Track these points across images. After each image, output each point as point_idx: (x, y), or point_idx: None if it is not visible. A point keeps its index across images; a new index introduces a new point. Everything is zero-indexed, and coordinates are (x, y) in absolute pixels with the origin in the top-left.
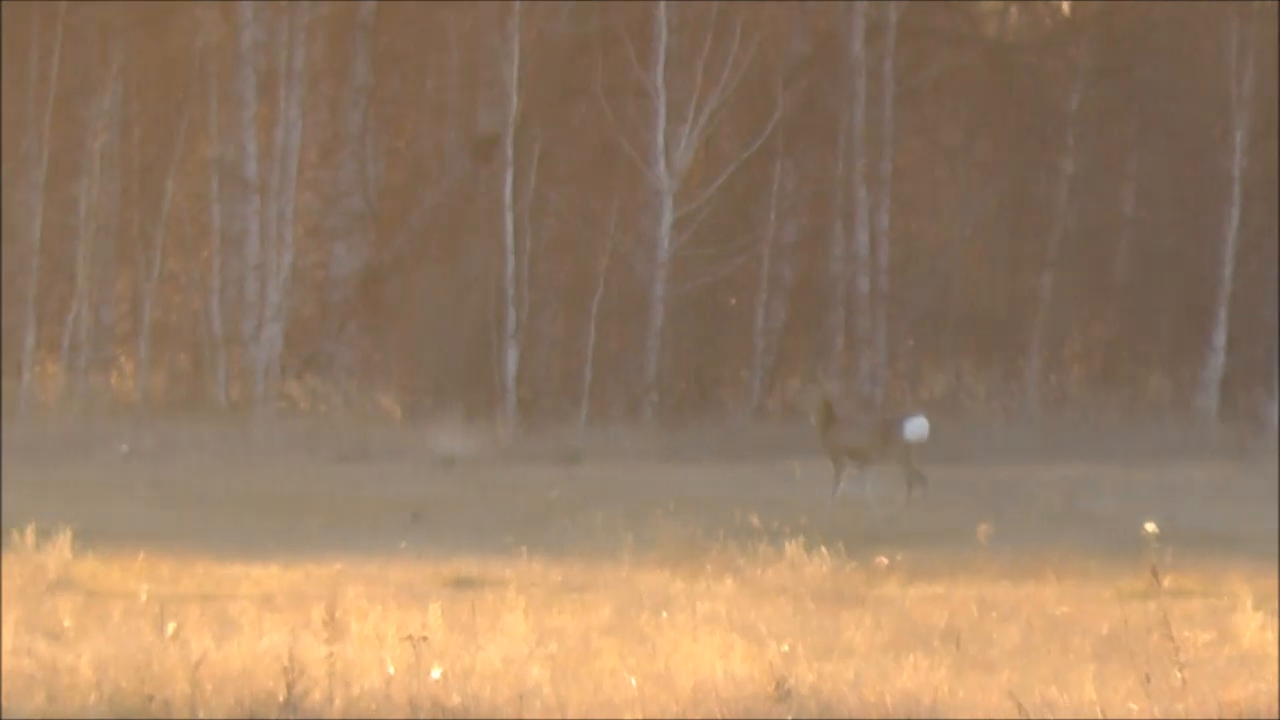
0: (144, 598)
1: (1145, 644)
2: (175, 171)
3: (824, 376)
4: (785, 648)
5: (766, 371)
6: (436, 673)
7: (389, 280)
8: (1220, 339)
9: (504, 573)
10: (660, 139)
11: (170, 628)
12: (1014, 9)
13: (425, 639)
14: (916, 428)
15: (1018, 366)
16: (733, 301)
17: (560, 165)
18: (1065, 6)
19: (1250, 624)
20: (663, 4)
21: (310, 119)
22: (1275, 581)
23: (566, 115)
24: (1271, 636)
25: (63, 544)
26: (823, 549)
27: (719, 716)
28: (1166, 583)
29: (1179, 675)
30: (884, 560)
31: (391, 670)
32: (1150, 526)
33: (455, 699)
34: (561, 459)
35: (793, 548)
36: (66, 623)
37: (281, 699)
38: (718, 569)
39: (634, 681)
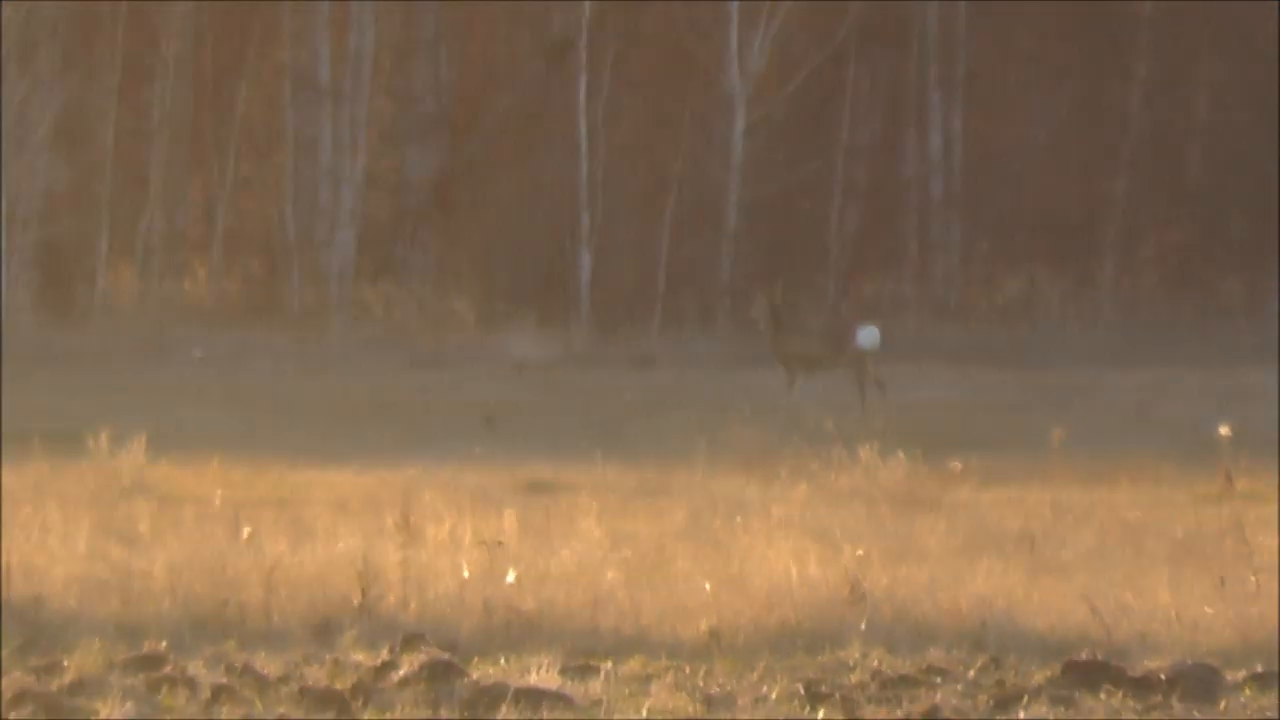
0: (218, 503)
1: (1219, 548)
2: (248, 76)
3: (772, 289)
4: (860, 552)
5: (841, 276)
6: (511, 577)
7: (463, 185)
8: None
9: (578, 477)
10: (733, 43)
11: (245, 532)
12: None
13: (500, 544)
14: (869, 336)
15: (1091, 271)
16: (806, 206)
17: (633, 69)
18: None
19: None
20: None
21: (383, 23)
22: None
23: (640, 19)
24: None
25: (137, 449)
26: (897, 454)
27: (793, 620)
28: (1240, 487)
29: (1253, 579)
30: (958, 464)
31: (466, 574)
32: (1224, 430)
33: (530, 603)
34: (635, 364)
35: (867, 452)
36: (141, 528)
37: (356, 603)
38: (792, 474)
39: (708, 585)
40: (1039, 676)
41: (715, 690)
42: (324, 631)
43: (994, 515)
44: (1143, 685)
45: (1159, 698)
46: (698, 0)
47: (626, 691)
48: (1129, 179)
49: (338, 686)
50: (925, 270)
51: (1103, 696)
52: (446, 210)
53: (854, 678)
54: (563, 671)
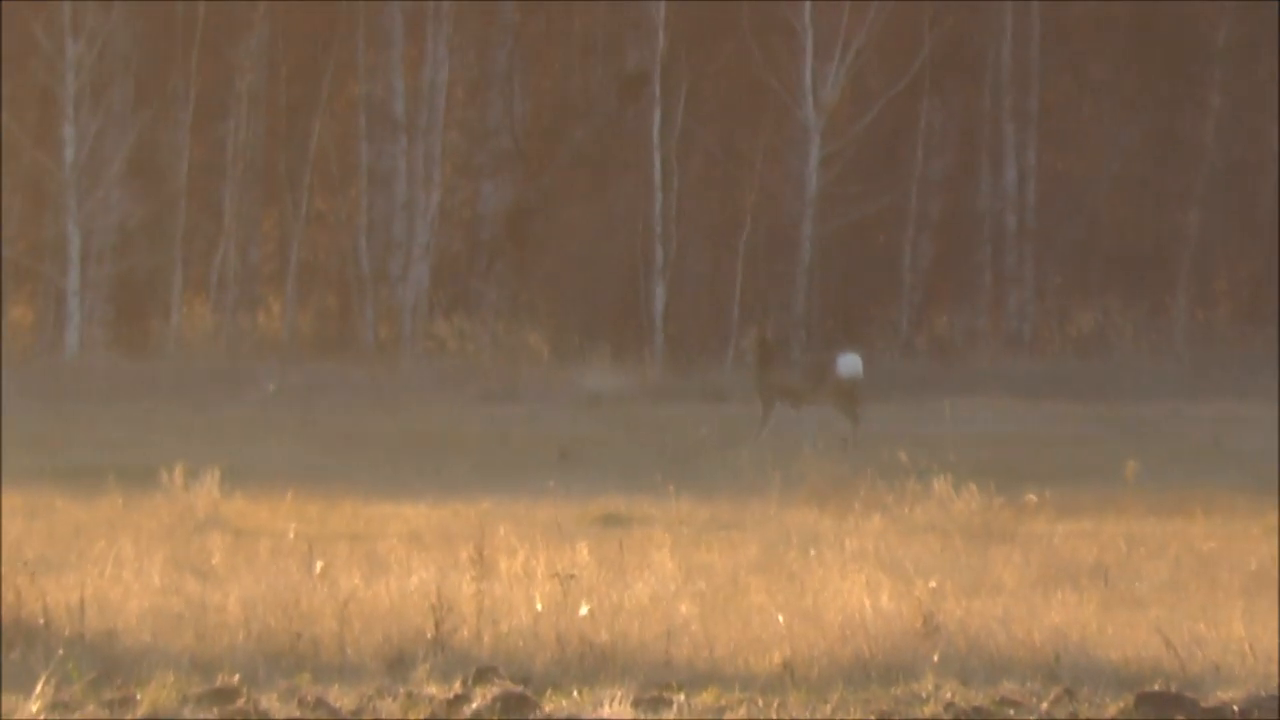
0: (292, 536)
1: None
2: (323, 111)
3: (765, 325)
4: (933, 584)
5: (914, 308)
6: (584, 610)
7: (536, 218)
8: None
9: (652, 510)
10: (808, 76)
11: (318, 566)
12: None
13: (573, 576)
14: (849, 364)
15: (1165, 303)
16: (880, 239)
17: (707, 103)
18: None
19: None
20: None
21: (458, 58)
22: None
23: (714, 52)
24: None
25: (211, 483)
26: (971, 486)
27: (867, 652)
28: None
29: None
30: (1032, 497)
31: (539, 608)
32: None
33: (603, 636)
34: (709, 397)
35: (941, 485)
36: (215, 562)
37: (429, 637)
38: (866, 506)
39: (781, 618)
40: (1112, 709)
41: None
42: (397, 665)
43: (1068, 547)
44: (1216, 717)
45: None
46: (772, 33)
47: None
48: (1202, 211)
49: (411, 719)
50: (999, 303)
51: None
52: (520, 244)
53: (927, 710)
54: (636, 704)
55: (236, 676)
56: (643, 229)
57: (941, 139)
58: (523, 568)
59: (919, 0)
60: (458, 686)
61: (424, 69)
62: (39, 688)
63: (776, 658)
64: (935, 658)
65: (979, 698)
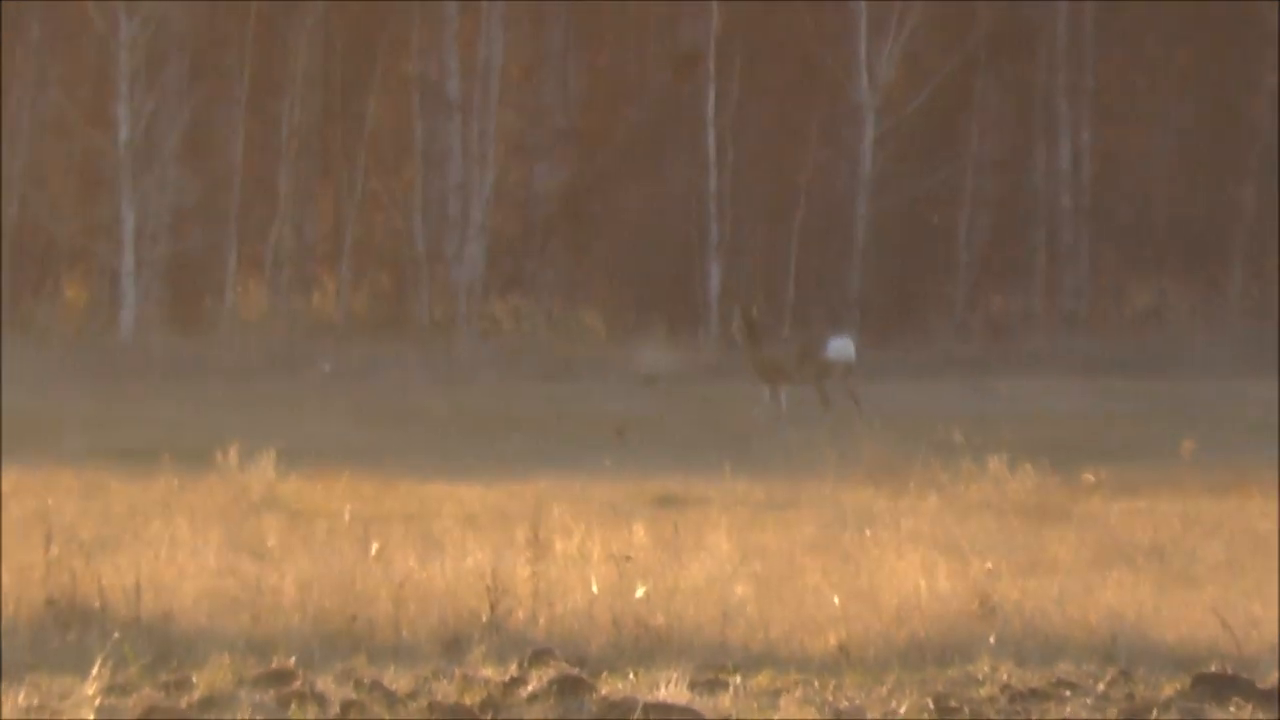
0: (347, 517)
1: None
2: (377, 90)
3: (752, 302)
4: (989, 564)
5: (969, 287)
6: (640, 591)
7: (591, 197)
8: None
9: (708, 490)
10: (862, 53)
11: (374, 547)
12: None
13: (629, 558)
14: (839, 348)
15: (1220, 280)
16: (935, 217)
17: (762, 80)
18: None
19: None
20: None
21: (512, 36)
22: None
23: (768, 30)
24: None
25: (266, 464)
26: (1026, 465)
27: (922, 633)
28: None
29: None
30: (1088, 476)
31: (595, 589)
32: None
33: (659, 617)
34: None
35: (996, 464)
36: (271, 542)
37: (485, 618)
38: (921, 486)
39: (837, 599)
40: (1169, 689)
41: (844, 704)
42: (453, 646)
43: (1124, 527)
44: (1273, 698)
45: None
46: (826, 10)
47: (755, 706)
48: (1257, 187)
49: (466, 702)
50: (1054, 281)
51: (1232, 710)
52: (575, 223)
53: (983, 691)
54: (692, 686)
55: (292, 658)
56: (697, 207)
57: (996, 116)
58: (578, 549)
59: None
60: (513, 668)
61: (478, 48)
62: (95, 670)
63: (832, 639)
64: (991, 639)
65: (1035, 679)
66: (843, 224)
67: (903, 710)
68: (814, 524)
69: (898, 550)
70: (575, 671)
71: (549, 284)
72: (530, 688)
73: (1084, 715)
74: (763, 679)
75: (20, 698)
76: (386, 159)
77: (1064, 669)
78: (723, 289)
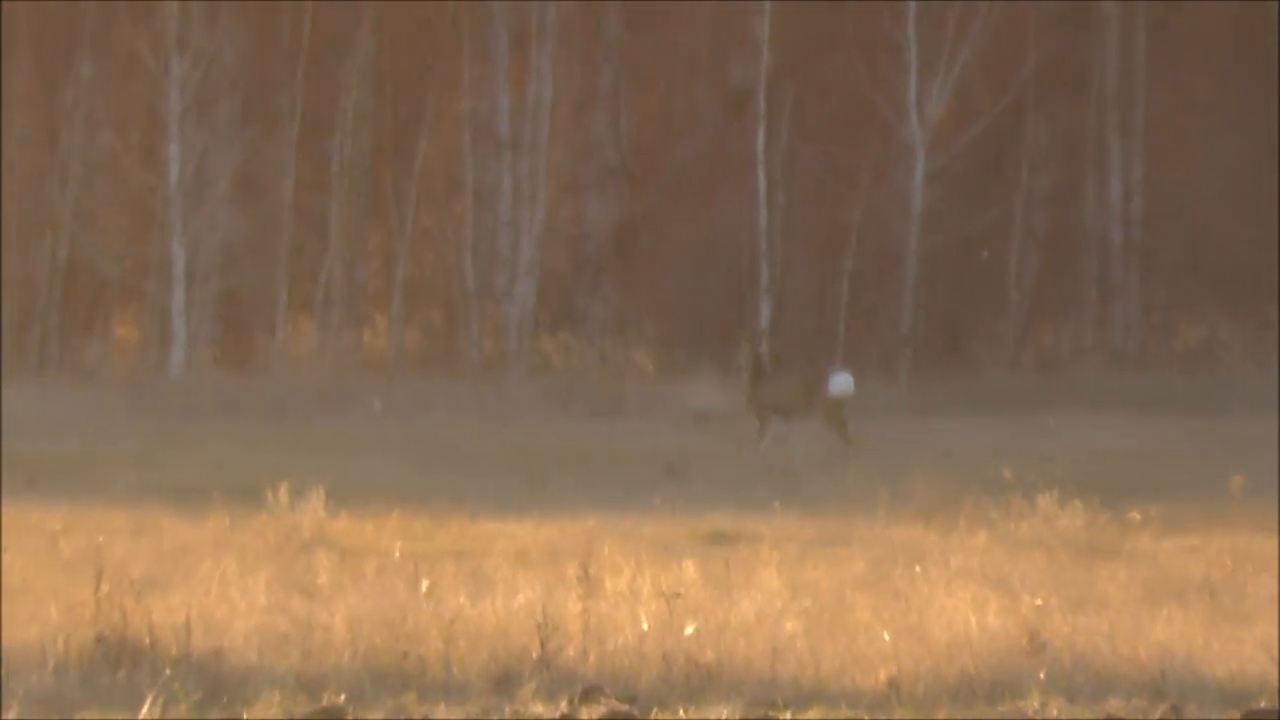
0: (398, 555)
1: None
2: (428, 128)
3: (756, 336)
4: (1039, 601)
5: (1020, 324)
6: (690, 628)
7: (641, 235)
8: None
9: (758, 528)
10: (912, 92)
11: (424, 585)
12: None
13: (679, 595)
14: (840, 384)
15: (1270, 317)
16: (985, 254)
17: (812, 119)
18: None
19: None
20: None
21: (562, 74)
22: None
23: (818, 69)
24: None
25: (317, 502)
26: (1076, 502)
27: (973, 669)
28: None
29: None
30: (1137, 513)
31: (645, 626)
32: None
33: (709, 654)
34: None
35: (1046, 501)
36: (321, 580)
37: (535, 655)
38: (971, 523)
39: (887, 635)
40: None
41: None
42: (504, 683)
43: (1174, 563)
44: None
45: None
46: (876, 49)
47: None
48: None
49: None
50: (1104, 318)
51: None
52: (625, 260)
53: None
54: None
55: (342, 696)
56: (748, 245)
57: (1046, 154)
58: (629, 586)
59: (1024, 15)
60: (564, 705)
61: (529, 85)
62: (145, 708)
63: (882, 675)
64: (1041, 675)
65: (1085, 715)
66: (893, 261)
67: None
68: (864, 560)
69: (948, 587)
70: (626, 708)
71: (599, 321)
72: None
73: None
74: (813, 715)
75: None
76: (437, 196)
77: (1114, 705)
78: (773, 327)
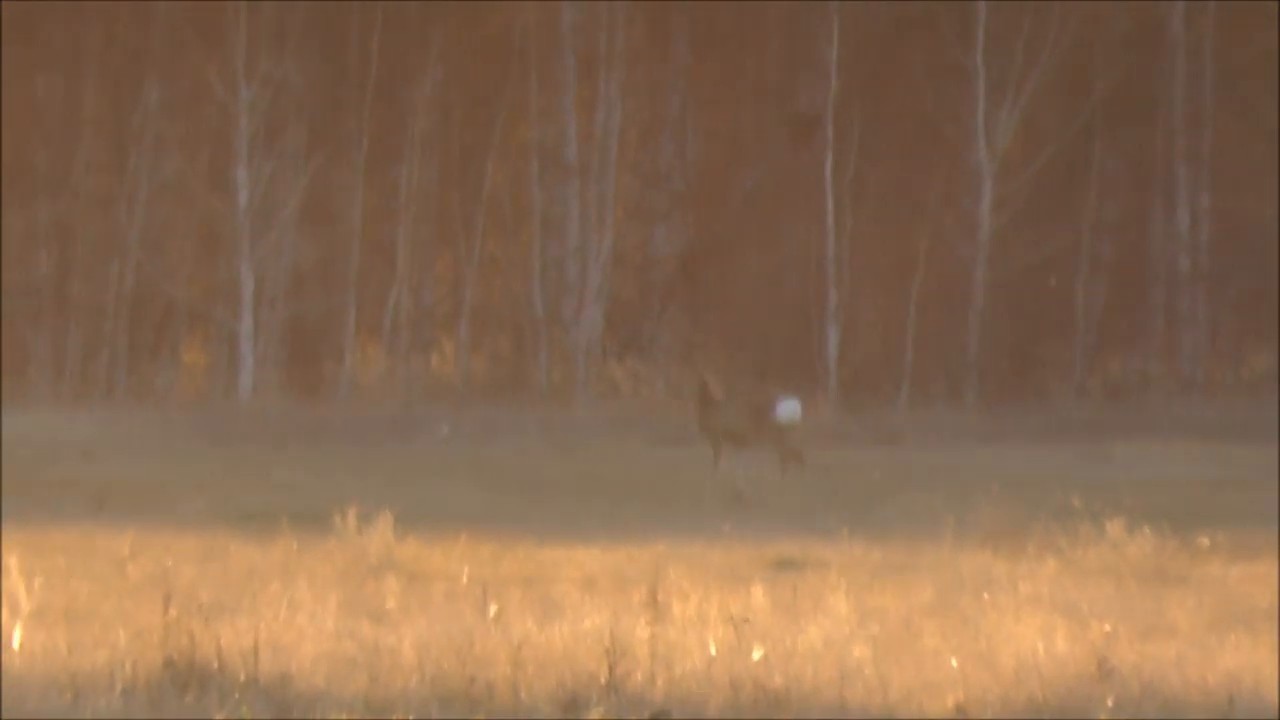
0: (466, 580)
1: None
2: (495, 155)
3: (703, 362)
4: (1107, 628)
5: (1088, 351)
6: (758, 653)
7: (709, 261)
8: None
9: (826, 554)
10: (980, 119)
11: (492, 610)
12: None
13: (747, 620)
14: (787, 410)
15: None
16: (1053, 281)
17: (880, 145)
18: None
19: None
20: None
21: (630, 101)
22: None
23: (886, 95)
24: None
25: (385, 527)
26: (1145, 529)
27: (1041, 696)
28: None
29: None
30: (1206, 540)
31: (714, 651)
32: None
33: (777, 680)
34: (882, 440)
35: (1114, 528)
36: (389, 604)
37: (603, 681)
38: (1039, 550)
39: (955, 662)
40: None
41: None
42: (571, 708)
43: (1242, 590)
44: None
45: None
46: (944, 76)
47: None
48: None
49: None
50: (1172, 345)
51: None
52: (693, 287)
53: None
54: None
55: None
56: (815, 272)
57: (1114, 181)
58: (696, 611)
59: (1092, 42)
60: None
61: (596, 112)
62: None
63: (950, 701)
64: (1109, 702)
65: None
66: (960, 288)
67: None
68: (932, 587)
69: (1016, 613)
70: None
71: (667, 347)
72: None
73: None
74: None
75: None
76: (505, 222)
77: None
78: (841, 353)
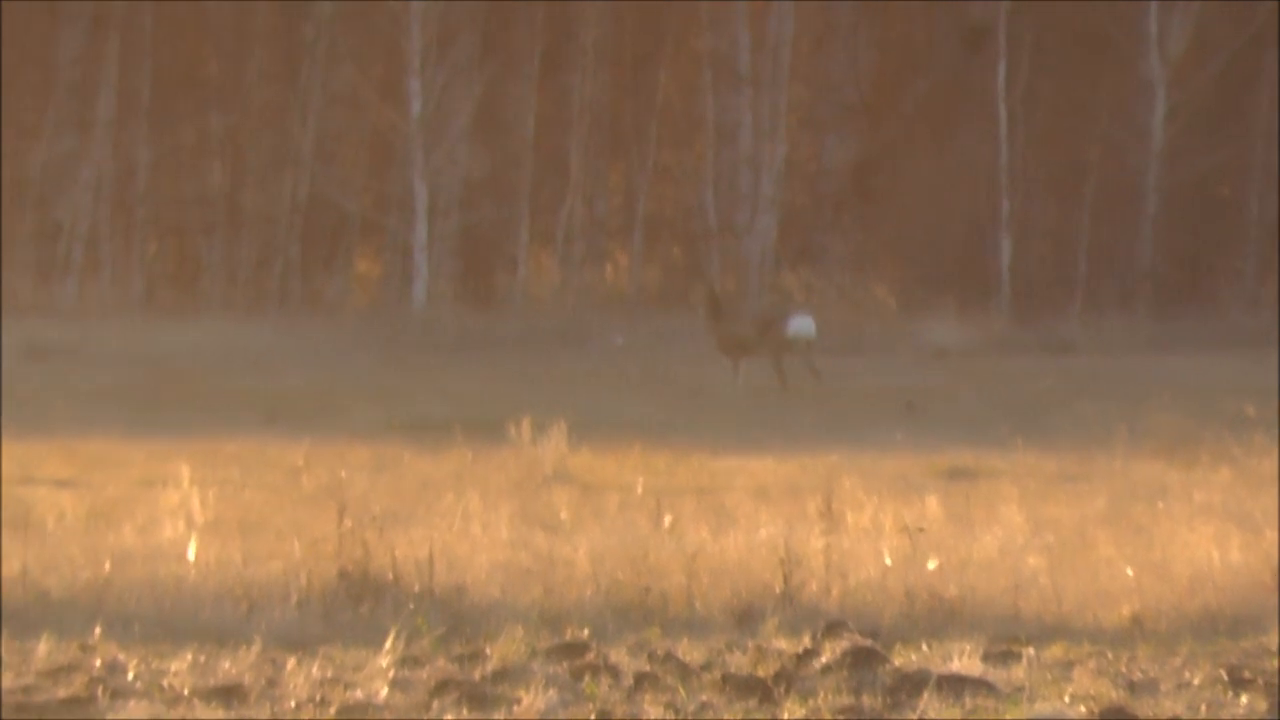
0: (639, 490)
1: None
2: (667, 64)
3: (714, 277)
4: None
5: (1260, 260)
6: (932, 563)
7: (881, 171)
8: None
9: (998, 463)
10: (1153, 28)
11: (666, 520)
12: None
13: (921, 530)
14: (800, 326)
15: None
16: (1225, 190)
17: (1052, 54)
18: None
19: None
20: None
21: (802, 10)
22: None
23: (1058, 4)
24: None
25: (558, 437)
26: None
27: (1215, 605)
28: None
29: None
30: None
31: (888, 561)
32: None
33: (951, 589)
34: (1055, 349)
35: None
36: (563, 515)
37: (778, 590)
38: (1213, 459)
39: (1130, 571)
40: None
41: (1138, 676)
42: (746, 619)
43: None
44: None
45: None
46: None
47: (1049, 677)
48: None
49: (760, 674)
50: None
51: None
52: (865, 197)
53: (1277, 664)
54: (985, 658)
55: (585, 630)
56: (987, 181)
57: None
58: (870, 521)
59: None
60: (807, 640)
61: (769, 22)
62: (389, 642)
63: (1125, 611)
64: None
65: None
66: (1133, 198)
67: (1196, 682)
68: (1105, 496)
69: (1190, 523)
70: (868, 643)
71: (839, 257)
72: (823, 659)
73: None
74: (1056, 651)
75: (314, 670)
76: (677, 133)
77: None
78: (1013, 263)
